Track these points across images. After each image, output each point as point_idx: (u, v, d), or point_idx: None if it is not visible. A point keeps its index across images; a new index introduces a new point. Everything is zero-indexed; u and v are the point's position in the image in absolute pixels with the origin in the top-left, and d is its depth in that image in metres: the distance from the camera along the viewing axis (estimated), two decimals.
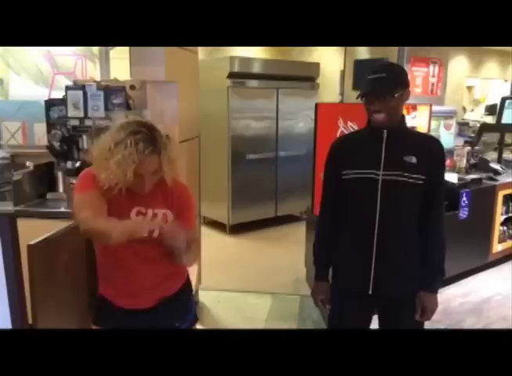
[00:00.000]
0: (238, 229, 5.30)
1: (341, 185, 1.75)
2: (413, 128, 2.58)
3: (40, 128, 3.38)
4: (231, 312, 3.44)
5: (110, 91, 2.79)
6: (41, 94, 3.37)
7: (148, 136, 1.45)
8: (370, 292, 1.72)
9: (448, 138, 3.70)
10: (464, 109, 10.87)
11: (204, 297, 3.59)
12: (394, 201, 1.68)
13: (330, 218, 1.84)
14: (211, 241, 4.55)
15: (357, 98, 1.72)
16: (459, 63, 9.92)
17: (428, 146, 1.73)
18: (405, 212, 1.71)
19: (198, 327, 3.19)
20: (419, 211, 1.72)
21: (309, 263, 3.97)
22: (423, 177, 1.66)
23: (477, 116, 10.75)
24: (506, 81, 11.86)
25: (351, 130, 3.32)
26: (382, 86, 1.63)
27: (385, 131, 1.68)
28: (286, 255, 4.48)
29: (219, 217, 5.38)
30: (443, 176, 1.78)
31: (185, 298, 1.73)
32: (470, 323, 3.25)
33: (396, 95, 1.62)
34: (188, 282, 1.74)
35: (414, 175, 1.65)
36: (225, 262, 4.37)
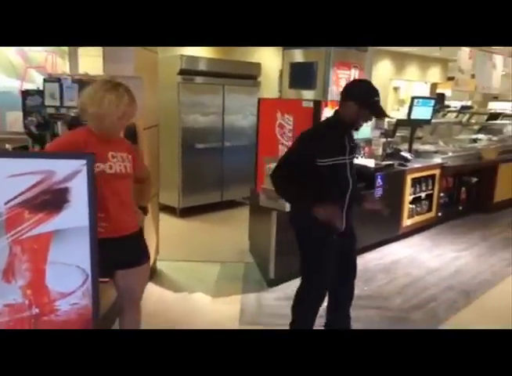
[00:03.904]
0: (187, 212, 5.83)
1: (314, 168, 2.40)
2: None
3: (12, 116, 3.76)
4: (185, 276, 4.01)
5: (84, 84, 3.24)
6: (13, 86, 3.73)
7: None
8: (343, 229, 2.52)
9: (365, 129, 4.44)
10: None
11: (162, 266, 4.12)
12: (353, 173, 2.57)
13: (292, 175, 2.47)
14: (164, 223, 5.03)
15: (370, 113, 2.47)
16: (384, 66, 10.99)
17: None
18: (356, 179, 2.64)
19: (156, 287, 3.73)
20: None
21: (253, 237, 4.60)
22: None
23: (402, 114, 11.92)
24: (426, 83, 13.21)
25: (288, 121, 3.98)
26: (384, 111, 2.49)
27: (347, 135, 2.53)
28: (231, 233, 5.09)
29: (170, 201, 5.87)
30: None
31: (143, 237, 2.28)
32: (381, 278, 4.05)
33: None
34: (142, 231, 2.28)
35: (356, 153, 2.69)
36: (178, 239, 4.90)
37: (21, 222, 1.31)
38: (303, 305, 2.65)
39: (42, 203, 1.30)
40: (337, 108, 2.54)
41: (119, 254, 2.03)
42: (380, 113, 2.49)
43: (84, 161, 1.27)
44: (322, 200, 2.36)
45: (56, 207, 1.30)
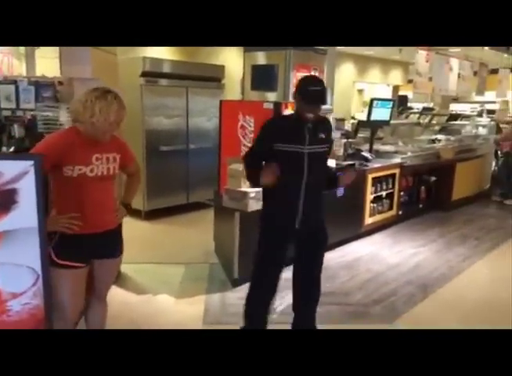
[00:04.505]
0: (153, 215, 5.80)
1: (272, 152, 2.50)
2: None
3: None
4: (149, 278, 4.00)
5: (41, 85, 3.21)
6: None
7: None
8: (297, 226, 2.55)
9: None
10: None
11: (126, 268, 4.06)
12: (315, 164, 2.53)
13: (256, 161, 2.59)
14: (128, 226, 4.95)
15: (306, 103, 2.45)
16: (347, 69, 11.23)
17: (326, 124, 2.67)
18: (321, 171, 2.60)
19: (119, 289, 3.70)
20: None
21: (217, 237, 4.63)
22: (328, 145, 2.62)
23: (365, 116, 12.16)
24: (388, 85, 13.56)
25: (249, 123, 4.04)
26: (321, 98, 2.45)
27: (310, 123, 2.50)
28: (197, 234, 5.09)
29: (135, 204, 5.79)
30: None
31: (121, 231, 2.37)
32: (343, 274, 4.15)
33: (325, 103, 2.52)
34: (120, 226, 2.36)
35: (324, 145, 2.56)
36: (143, 242, 4.86)
37: None
38: (249, 292, 2.79)
39: None
40: None
41: (95, 247, 2.14)
42: (311, 101, 2.43)
43: (31, 162, 1.28)
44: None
45: (4, 208, 1.31)
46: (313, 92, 2.41)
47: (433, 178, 6.51)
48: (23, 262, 1.36)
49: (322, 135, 2.55)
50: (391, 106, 5.57)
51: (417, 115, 10.13)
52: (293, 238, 2.65)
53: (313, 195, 2.57)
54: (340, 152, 5.00)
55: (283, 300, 3.54)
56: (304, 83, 2.48)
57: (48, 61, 3.42)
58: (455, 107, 11.69)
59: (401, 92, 12.95)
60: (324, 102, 2.48)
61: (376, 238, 5.27)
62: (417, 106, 12.05)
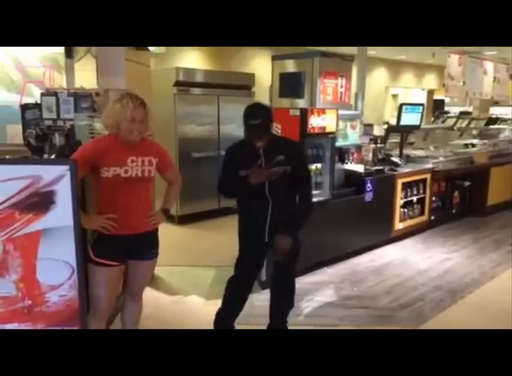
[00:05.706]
0: (185, 219, 5.98)
1: (238, 176, 2.61)
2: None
3: (12, 129, 3.94)
4: (181, 280, 4.15)
5: (79, 97, 3.43)
6: (13, 100, 3.92)
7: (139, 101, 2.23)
8: (266, 240, 2.68)
9: (354, 136, 4.60)
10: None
11: (159, 271, 4.24)
12: (275, 184, 2.60)
13: (229, 186, 2.72)
14: (162, 230, 5.17)
15: (248, 136, 2.58)
16: (379, 74, 11.16)
17: (290, 147, 2.71)
18: (284, 189, 2.65)
19: (152, 291, 3.86)
20: (295, 188, 2.70)
21: None
22: (290, 167, 2.61)
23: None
24: (423, 89, 13.37)
25: (276, 129, 4.13)
26: (261, 130, 2.53)
27: (261, 150, 2.59)
28: (227, 238, 5.17)
29: None
30: (303, 164, 2.77)
31: (156, 235, 2.51)
32: (371, 279, 4.16)
33: (269, 132, 2.57)
34: (156, 229, 2.51)
35: (284, 167, 2.58)
36: (176, 245, 5.05)
37: (13, 221, 1.46)
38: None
39: (31, 204, 1.45)
40: None
41: (128, 248, 2.29)
42: (250, 135, 2.57)
43: (67, 167, 1.43)
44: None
45: (44, 208, 1.46)
46: (251, 126, 2.52)
47: (467, 183, 6.39)
48: (60, 256, 1.51)
49: (282, 157, 2.57)
50: (420, 110, 5.54)
51: (454, 119, 9.93)
52: (263, 253, 2.80)
53: (281, 211, 2.65)
54: (369, 157, 5.02)
55: (310, 303, 3.61)
56: (245, 116, 2.55)
57: (86, 74, 3.64)
58: (495, 111, 11.37)
59: (436, 96, 12.73)
60: (263, 134, 2.54)
61: (407, 243, 5.24)
62: (454, 110, 11.79)
